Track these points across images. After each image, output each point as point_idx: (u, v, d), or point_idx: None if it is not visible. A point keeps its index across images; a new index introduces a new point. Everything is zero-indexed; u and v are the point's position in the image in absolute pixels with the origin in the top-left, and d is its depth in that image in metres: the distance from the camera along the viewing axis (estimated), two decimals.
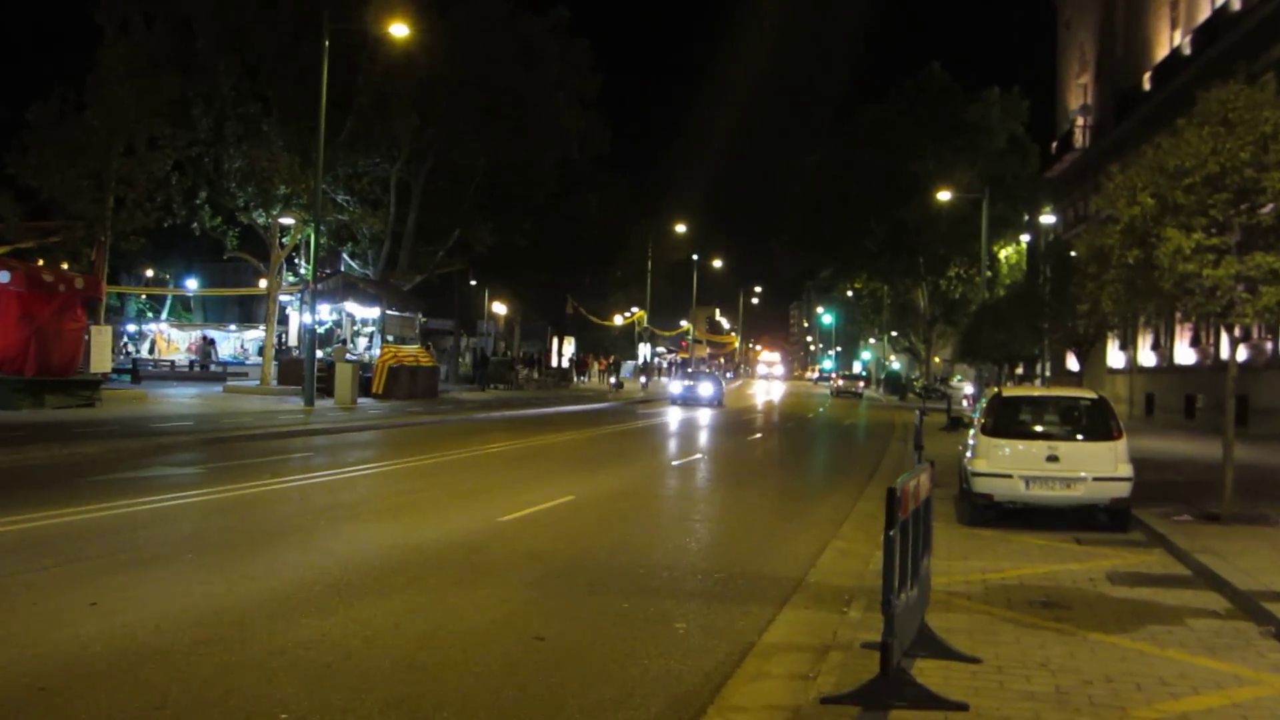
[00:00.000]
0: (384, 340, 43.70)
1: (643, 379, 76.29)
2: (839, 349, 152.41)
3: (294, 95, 39.15)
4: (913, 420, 29.34)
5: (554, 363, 71.73)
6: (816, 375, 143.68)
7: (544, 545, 12.13)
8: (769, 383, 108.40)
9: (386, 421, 29.56)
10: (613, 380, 62.39)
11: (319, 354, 36.54)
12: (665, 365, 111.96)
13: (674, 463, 22.44)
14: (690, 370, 77.76)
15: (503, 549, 11.81)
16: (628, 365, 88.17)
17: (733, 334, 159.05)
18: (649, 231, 72.94)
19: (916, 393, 70.18)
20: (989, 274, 52.21)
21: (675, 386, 52.61)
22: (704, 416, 41.71)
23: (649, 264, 74.04)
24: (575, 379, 74.21)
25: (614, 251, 69.34)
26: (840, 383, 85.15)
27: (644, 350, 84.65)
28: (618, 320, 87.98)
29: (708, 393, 49.85)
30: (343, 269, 46.57)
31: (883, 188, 60.46)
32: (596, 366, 78.79)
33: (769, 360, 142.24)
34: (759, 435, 33.67)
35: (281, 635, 8.07)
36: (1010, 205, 57.68)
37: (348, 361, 37.39)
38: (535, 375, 62.98)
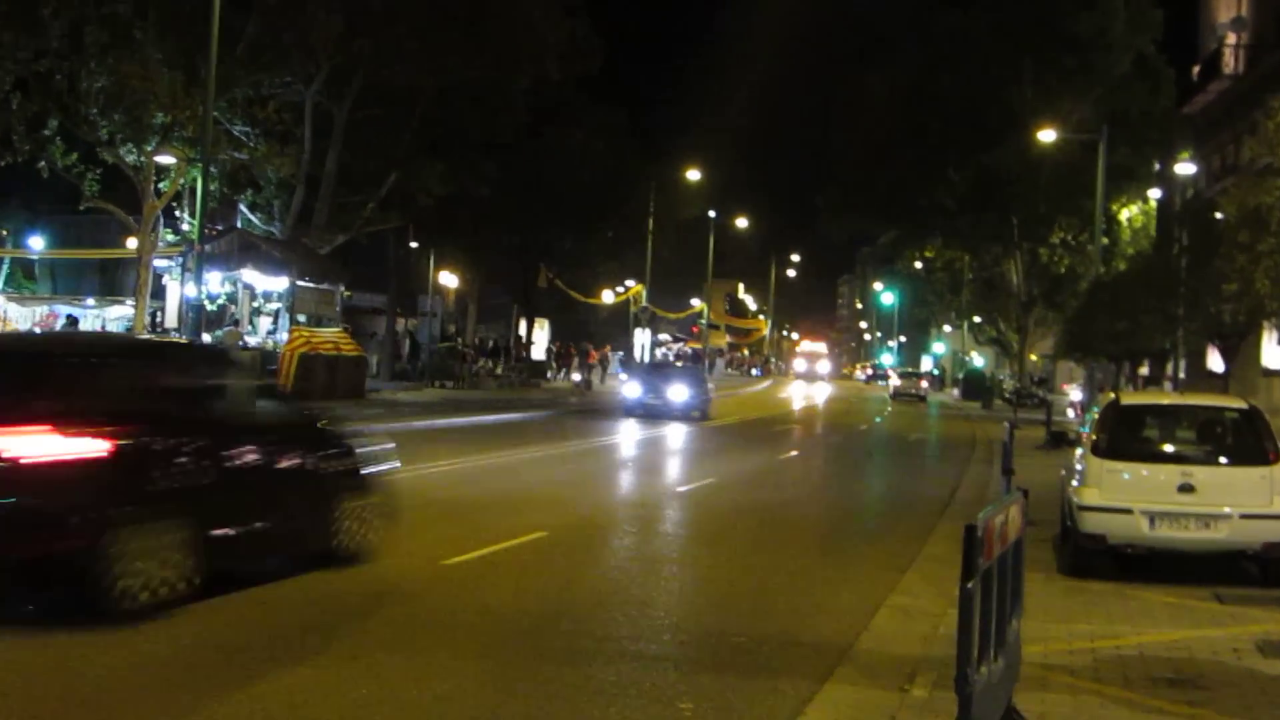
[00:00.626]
0: (294, 321, 43.72)
1: (623, 376, 76.68)
2: (902, 339, 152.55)
3: None
4: (999, 435, 29.27)
5: (525, 352, 71.73)
6: (868, 373, 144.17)
7: (504, 596, 12.17)
8: (810, 384, 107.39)
9: None
10: (577, 377, 61.95)
11: (206, 338, 36.54)
12: (671, 357, 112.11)
13: (680, 489, 22.54)
14: (656, 362, 74.20)
15: (449, 601, 11.84)
16: (616, 357, 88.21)
17: (761, 317, 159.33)
18: (653, 180, 72.85)
19: (1006, 398, 70.33)
20: (1105, 241, 52.20)
21: (631, 388, 45.88)
22: (716, 430, 41.75)
23: (650, 223, 73.99)
24: (551, 374, 74.26)
25: (605, 206, 69.12)
26: (898, 381, 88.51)
27: (641, 337, 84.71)
28: (607, 297, 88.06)
29: (680, 398, 43.53)
30: (240, 225, 46.55)
31: (965, 124, 60.49)
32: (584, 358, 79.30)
33: (811, 352, 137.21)
34: (794, 453, 33.78)
35: (153, 718, 8.05)
36: (1135, 150, 57.71)
37: (245, 349, 37.41)
38: (496, 369, 63.04)
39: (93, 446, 9.73)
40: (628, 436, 36.14)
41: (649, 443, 34.45)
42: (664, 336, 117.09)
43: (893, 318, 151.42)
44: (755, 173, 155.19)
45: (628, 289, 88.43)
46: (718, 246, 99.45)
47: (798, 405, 67.20)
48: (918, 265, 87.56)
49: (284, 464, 12.22)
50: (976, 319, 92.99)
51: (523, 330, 74.71)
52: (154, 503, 10.11)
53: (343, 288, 48.86)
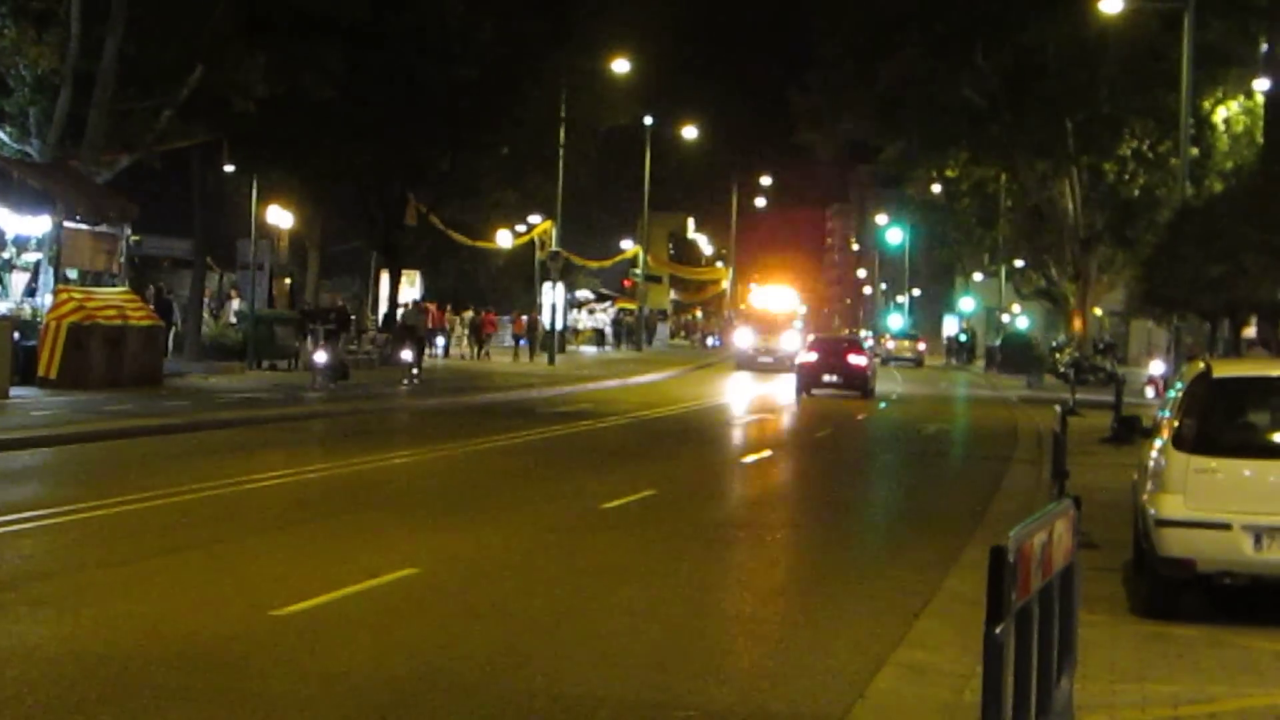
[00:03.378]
0: (60, 278, 43.31)
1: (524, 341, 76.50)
2: (915, 293, 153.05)
3: None
4: (1050, 424, 29.43)
5: (405, 320, 71.45)
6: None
7: (358, 658, 12.17)
8: (763, 372, 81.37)
9: (63, 430, 29.46)
10: (405, 355, 53.16)
11: None
12: (608, 323, 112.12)
13: (603, 506, 22.51)
14: None
15: (281, 666, 11.82)
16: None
17: (720, 265, 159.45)
18: (565, 75, 72.66)
19: (1060, 372, 70.79)
20: (1194, 152, 52.59)
21: None
22: (670, 421, 41.87)
23: (562, 134, 73.77)
24: (431, 348, 74.46)
25: (497, 111, 68.77)
26: (890, 344, 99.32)
27: (552, 294, 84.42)
28: (504, 240, 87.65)
29: None
30: None
31: None
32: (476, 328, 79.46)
33: (766, 315, 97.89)
34: (766, 453, 33.83)
35: None
36: (1235, 23, 57.99)
37: None
38: (351, 345, 62.53)
39: (866, 361, 60.15)
40: (619, 417, 36.19)
41: (633, 428, 34.49)
42: (584, 293, 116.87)
43: (903, 264, 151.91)
44: (709, 64, 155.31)
45: (531, 228, 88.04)
46: (658, 167, 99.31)
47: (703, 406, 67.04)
48: (936, 189, 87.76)
49: None
50: (1018, 263, 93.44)
51: (385, 286, 74.29)
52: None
53: (129, 230, 48.38)
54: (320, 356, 47.76)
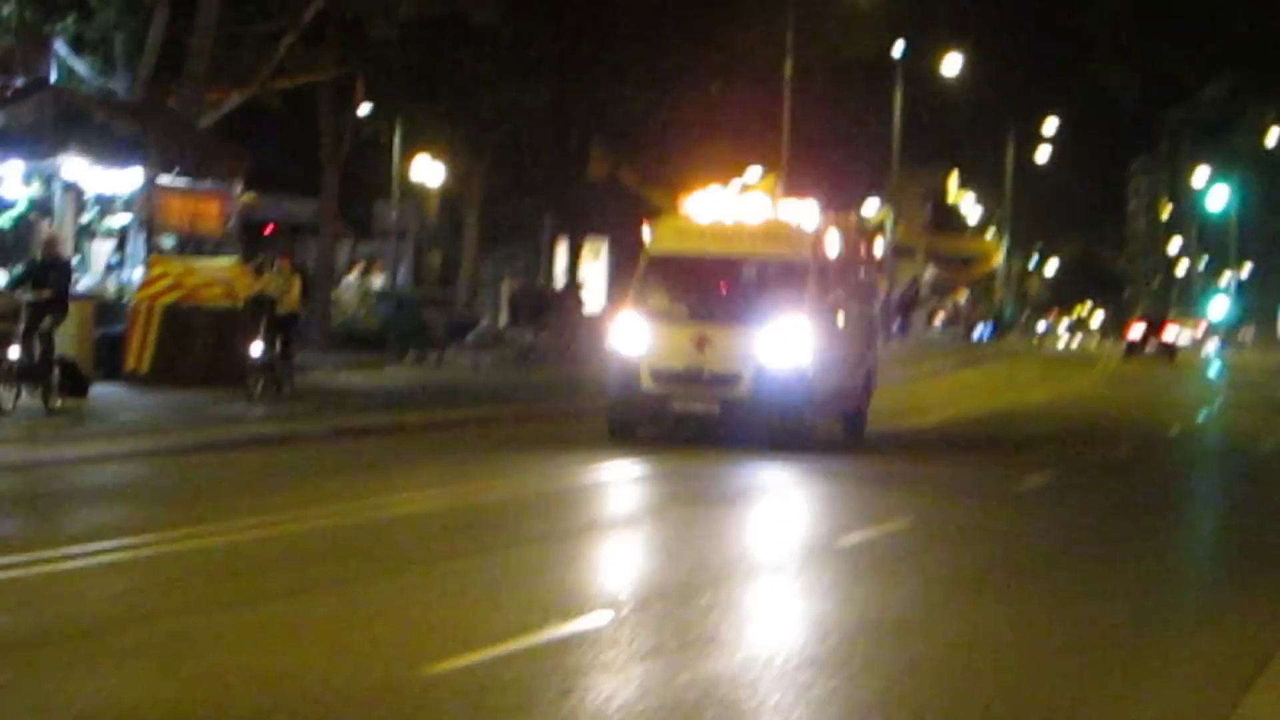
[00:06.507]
0: (152, 247, 43.66)
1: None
2: (1248, 271, 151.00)
3: None
4: None
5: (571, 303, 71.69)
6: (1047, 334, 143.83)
7: None
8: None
9: (158, 438, 29.95)
10: (254, 350, 39.14)
11: None
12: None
13: (839, 544, 22.38)
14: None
15: None
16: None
17: (990, 236, 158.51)
18: None
19: None
20: None
21: None
22: (930, 432, 41.77)
23: (788, 67, 73.70)
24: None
25: (707, 37, 68.84)
26: (1138, 333, 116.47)
27: None
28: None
29: None
30: (56, 79, 46.63)
31: None
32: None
33: (719, 247, 57.11)
34: (1050, 476, 33.44)
35: None
36: None
37: (43, 299, 37.38)
38: (516, 335, 62.68)
39: (1174, 335, 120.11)
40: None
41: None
42: None
43: (1228, 235, 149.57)
44: None
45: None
46: (912, 110, 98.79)
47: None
48: (1273, 138, 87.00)
49: None
50: None
51: (561, 260, 74.37)
52: None
53: (240, 187, 48.67)
54: (13, 352, 32.56)
